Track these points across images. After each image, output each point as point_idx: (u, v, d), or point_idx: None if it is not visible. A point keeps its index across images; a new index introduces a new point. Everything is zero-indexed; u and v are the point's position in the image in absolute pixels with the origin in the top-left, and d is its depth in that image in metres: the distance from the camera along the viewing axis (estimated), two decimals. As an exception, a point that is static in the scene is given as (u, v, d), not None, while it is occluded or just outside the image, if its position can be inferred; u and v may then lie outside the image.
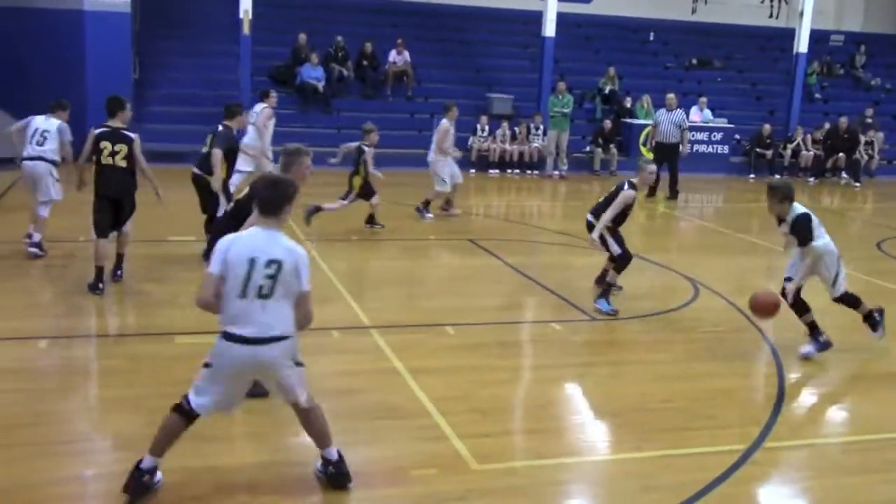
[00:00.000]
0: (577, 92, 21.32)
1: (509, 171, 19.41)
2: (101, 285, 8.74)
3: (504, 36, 23.71)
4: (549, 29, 20.00)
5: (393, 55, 20.85)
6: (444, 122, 13.45)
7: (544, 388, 6.99)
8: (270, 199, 4.75)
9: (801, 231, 7.55)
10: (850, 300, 7.89)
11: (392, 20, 22.61)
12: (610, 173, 19.98)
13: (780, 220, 7.77)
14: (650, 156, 18.04)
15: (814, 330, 7.80)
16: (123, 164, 8.78)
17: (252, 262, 4.57)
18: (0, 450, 5.31)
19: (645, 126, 20.16)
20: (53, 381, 6.55)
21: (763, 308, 7.49)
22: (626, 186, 8.96)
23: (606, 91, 21.76)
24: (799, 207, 7.64)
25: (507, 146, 19.54)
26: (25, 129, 10.30)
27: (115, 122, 8.90)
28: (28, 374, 6.60)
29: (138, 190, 9.05)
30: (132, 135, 8.87)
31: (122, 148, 8.75)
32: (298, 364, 4.88)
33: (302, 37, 20.31)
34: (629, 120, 21.12)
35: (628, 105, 21.45)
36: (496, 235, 12.62)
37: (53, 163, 10.21)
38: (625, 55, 23.93)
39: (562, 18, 20.33)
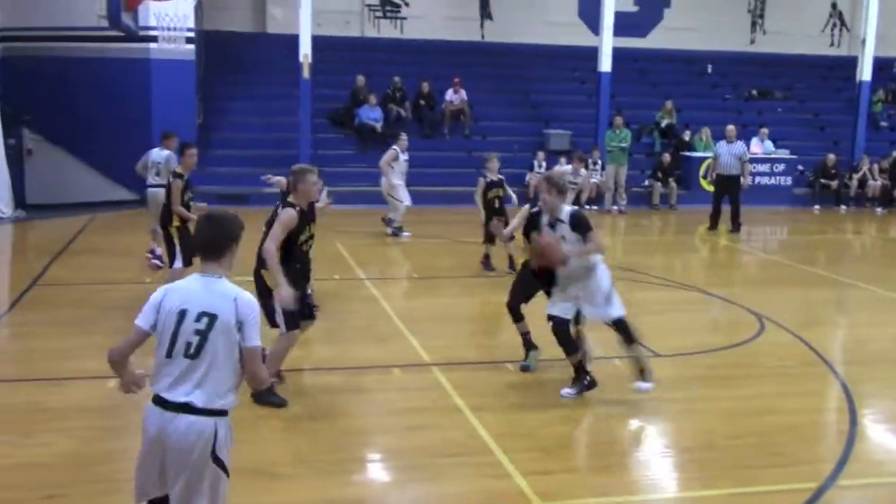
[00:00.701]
0: (635, 126, 21.24)
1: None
2: None
3: (560, 72, 23.78)
4: (605, 64, 20.00)
5: (450, 94, 21.05)
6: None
7: (607, 424, 6.90)
8: (211, 240, 3.96)
9: (584, 221, 6.95)
10: (627, 331, 7.12)
11: (449, 59, 22.85)
12: (670, 207, 19.78)
13: (552, 223, 7.03)
14: (711, 189, 17.82)
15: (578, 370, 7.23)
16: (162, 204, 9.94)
17: (182, 315, 3.80)
18: (74, 485, 5.44)
19: (704, 159, 19.96)
20: (123, 418, 6.68)
21: (543, 256, 6.92)
22: None
23: (664, 124, 21.64)
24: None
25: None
26: (146, 162, 11.71)
27: (181, 168, 9.53)
28: (100, 413, 6.75)
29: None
30: (172, 180, 9.70)
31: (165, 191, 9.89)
32: (218, 463, 3.85)
33: (360, 79, 20.65)
34: (688, 153, 20.93)
35: (687, 138, 21.27)
36: (556, 271, 12.53)
37: None
38: (682, 88, 23.80)
39: (617, 53, 20.33)
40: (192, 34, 18.01)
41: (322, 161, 18.75)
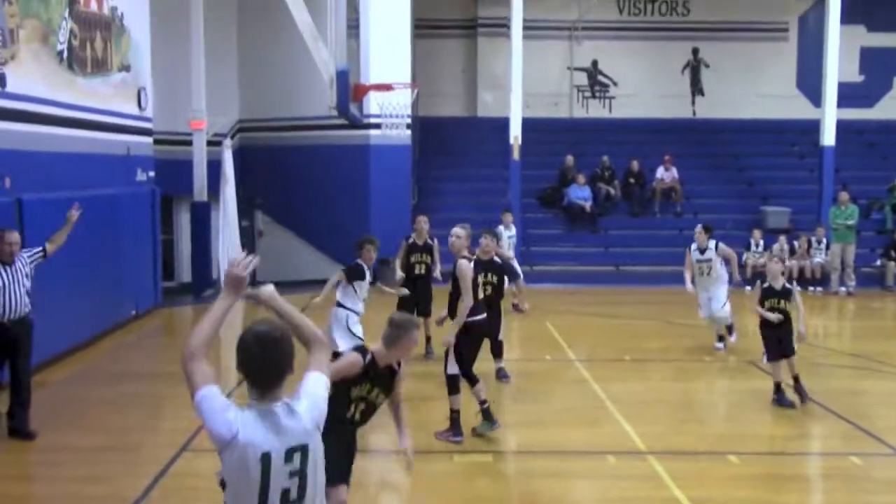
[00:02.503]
0: (863, 202, 19.91)
1: (788, 287, 18.31)
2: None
3: (776, 146, 22.87)
4: (829, 137, 18.98)
5: (660, 171, 20.74)
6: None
7: (844, 528, 6.33)
8: (269, 365, 3.25)
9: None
10: None
11: (659, 137, 22.61)
12: (905, 288, 18.25)
13: None
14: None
15: None
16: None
17: (266, 461, 3.11)
18: None
19: (944, 236, 18.36)
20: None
21: None
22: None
23: (897, 199, 20.16)
24: None
25: (786, 262, 18.53)
26: None
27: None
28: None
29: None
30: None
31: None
32: None
33: (569, 158, 20.81)
34: (925, 230, 19.32)
35: (923, 214, 19.67)
36: (778, 356, 11.82)
37: None
38: (916, 160, 22.13)
39: (841, 125, 19.28)
40: (409, 120, 18.93)
41: (531, 240, 19.01)
